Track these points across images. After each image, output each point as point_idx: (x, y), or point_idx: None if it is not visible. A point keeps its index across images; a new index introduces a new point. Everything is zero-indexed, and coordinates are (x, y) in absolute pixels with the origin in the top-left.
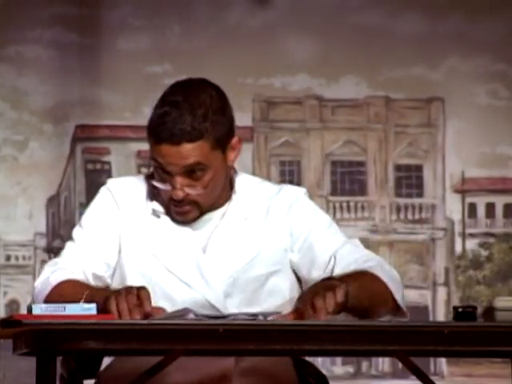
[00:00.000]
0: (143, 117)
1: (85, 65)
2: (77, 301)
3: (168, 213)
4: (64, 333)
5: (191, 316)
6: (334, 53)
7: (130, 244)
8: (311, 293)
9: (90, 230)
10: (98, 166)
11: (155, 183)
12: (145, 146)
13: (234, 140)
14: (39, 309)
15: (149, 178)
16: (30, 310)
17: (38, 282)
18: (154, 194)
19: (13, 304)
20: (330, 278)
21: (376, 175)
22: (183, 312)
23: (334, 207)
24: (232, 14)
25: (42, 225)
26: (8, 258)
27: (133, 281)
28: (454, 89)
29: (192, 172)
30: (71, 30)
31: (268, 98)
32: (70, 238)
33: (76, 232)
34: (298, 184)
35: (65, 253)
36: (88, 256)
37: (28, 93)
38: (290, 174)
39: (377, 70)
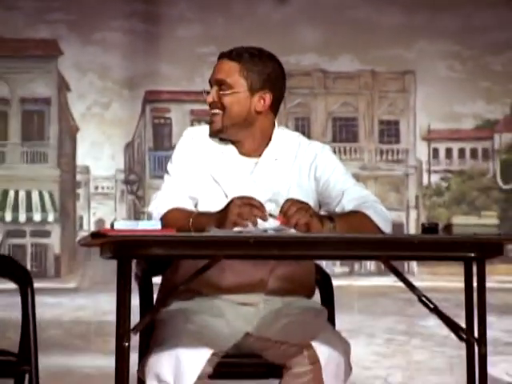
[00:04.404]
0: (195, 84)
1: (153, 47)
2: (186, 227)
3: (230, 154)
4: (137, 242)
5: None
6: (335, 38)
7: (201, 174)
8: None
9: (179, 165)
10: (162, 121)
11: (204, 96)
12: (196, 106)
13: (267, 94)
14: (119, 224)
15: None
16: (112, 225)
17: (151, 209)
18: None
19: (99, 222)
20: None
21: (365, 127)
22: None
23: (334, 151)
24: (259, 9)
25: (121, 163)
26: (96, 187)
27: (201, 203)
28: (423, 64)
29: (221, 86)
30: (143, 21)
31: (286, 71)
32: (165, 171)
33: (170, 168)
34: (308, 134)
35: (166, 185)
36: (183, 183)
37: (111, 67)
38: (302, 127)
39: (366, 50)
